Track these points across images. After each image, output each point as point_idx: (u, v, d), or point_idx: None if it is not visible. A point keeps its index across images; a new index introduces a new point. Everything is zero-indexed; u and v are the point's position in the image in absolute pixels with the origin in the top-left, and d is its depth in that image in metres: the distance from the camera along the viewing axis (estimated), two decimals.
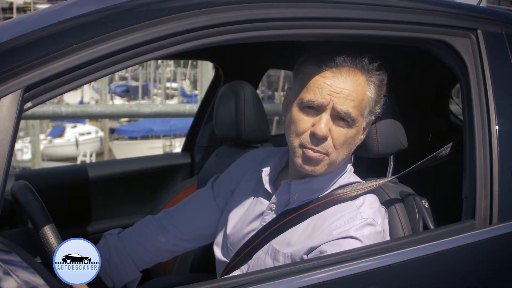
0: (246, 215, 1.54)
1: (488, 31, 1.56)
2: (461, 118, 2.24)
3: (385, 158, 1.68)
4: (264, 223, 1.49)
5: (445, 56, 1.53)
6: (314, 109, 1.37)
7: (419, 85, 2.55)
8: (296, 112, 1.40)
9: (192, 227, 1.63)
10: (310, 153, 1.38)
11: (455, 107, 3.07)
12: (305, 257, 1.38)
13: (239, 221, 1.55)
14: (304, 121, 1.38)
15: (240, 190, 1.61)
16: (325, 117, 1.36)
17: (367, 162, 1.69)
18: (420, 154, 1.66)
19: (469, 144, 1.49)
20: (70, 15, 1.18)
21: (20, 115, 1.07)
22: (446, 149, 1.58)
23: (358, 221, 1.38)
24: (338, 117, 1.37)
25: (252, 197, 1.57)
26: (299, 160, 1.40)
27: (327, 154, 1.38)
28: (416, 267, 1.38)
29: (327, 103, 1.36)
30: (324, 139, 1.36)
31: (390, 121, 1.58)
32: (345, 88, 1.36)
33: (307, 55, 1.44)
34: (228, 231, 1.56)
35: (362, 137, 1.47)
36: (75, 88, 1.18)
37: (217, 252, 1.60)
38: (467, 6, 1.66)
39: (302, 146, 1.38)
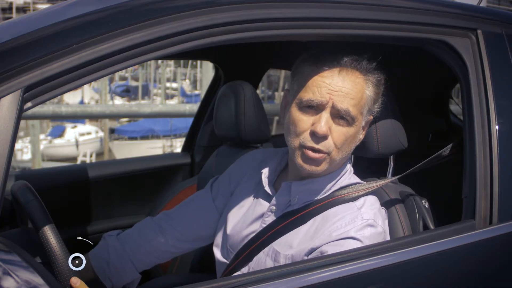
0: (246, 217, 1.54)
1: (488, 31, 1.56)
2: (461, 118, 2.24)
3: (385, 158, 1.68)
4: (265, 225, 1.48)
5: (445, 56, 1.53)
6: (314, 109, 1.37)
7: (419, 85, 2.55)
8: (295, 112, 1.40)
9: (191, 228, 1.63)
10: (310, 153, 1.37)
11: (455, 107, 3.07)
12: (305, 258, 1.38)
13: (239, 222, 1.55)
14: (303, 121, 1.38)
15: (240, 191, 1.61)
16: (325, 115, 1.36)
17: (367, 162, 1.69)
18: (420, 154, 1.66)
19: (469, 144, 1.49)
20: (70, 15, 1.18)
21: (20, 115, 1.07)
22: (447, 149, 1.58)
23: (359, 222, 1.38)
24: (338, 116, 1.37)
25: (252, 199, 1.56)
26: (299, 161, 1.40)
27: (328, 153, 1.38)
28: (416, 267, 1.38)
29: (327, 102, 1.36)
30: (324, 137, 1.36)
31: (390, 121, 1.58)
32: (344, 87, 1.36)
33: (305, 55, 1.44)
34: (228, 232, 1.56)
35: (361, 136, 1.47)
36: (75, 88, 1.18)
37: (217, 253, 1.59)
38: (467, 6, 1.66)
39: (302, 146, 1.38)
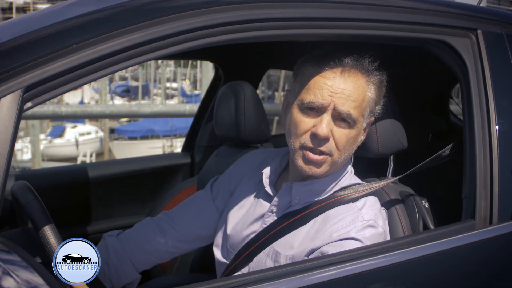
0: (246, 217, 1.54)
1: (488, 31, 1.56)
2: (461, 118, 2.24)
3: (385, 158, 1.68)
4: (265, 225, 1.48)
5: (445, 56, 1.53)
6: (315, 110, 1.37)
7: (419, 85, 2.55)
8: (296, 113, 1.39)
9: (191, 229, 1.63)
10: (311, 155, 1.37)
11: (455, 107, 3.07)
12: (305, 258, 1.38)
13: (239, 222, 1.55)
14: (304, 122, 1.37)
15: (240, 192, 1.61)
16: (326, 118, 1.35)
17: (367, 162, 1.69)
18: (420, 154, 1.66)
19: (469, 144, 1.49)
20: (70, 15, 1.18)
21: (20, 115, 1.07)
22: (447, 150, 1.58)
23: (359, 222, 1.38)
24: (339, 118, 1.36)
25: (252, 199, 1.56)
26: (300, 163, 1.39)
27: (330, 155, 1.38)
28: (416, 267, 1.38)
29: (328, 104, 1.35)
30: (325, 139, 1.36)
31: (390, 121, 1.58)
32: (346, 89, 1.36)
33: (307, 56, 1.44)
34: (228, 232, 1.56)
35: (362, 138, 1.47)
36: (75, 88, 1.18)
37: (217, 253, 1.59)
38: (467, 6, 1.66)
39: (302, 147, 1.38)
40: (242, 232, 1.53)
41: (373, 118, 1.48)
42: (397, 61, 1.99)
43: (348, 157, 1.44)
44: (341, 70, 1.37)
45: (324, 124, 1.34)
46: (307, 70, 1.40)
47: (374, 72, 1.41)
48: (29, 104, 1.09)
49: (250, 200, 1.57)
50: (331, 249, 1.34)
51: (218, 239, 1.60)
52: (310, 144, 1.37)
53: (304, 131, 1.37)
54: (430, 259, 1.38)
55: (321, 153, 1.37)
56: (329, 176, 1.46)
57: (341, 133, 1.37)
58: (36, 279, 1.06)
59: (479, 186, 1.45)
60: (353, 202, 1.44)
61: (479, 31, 1.54)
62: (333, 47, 1.42)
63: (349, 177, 1.51)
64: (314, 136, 1.36)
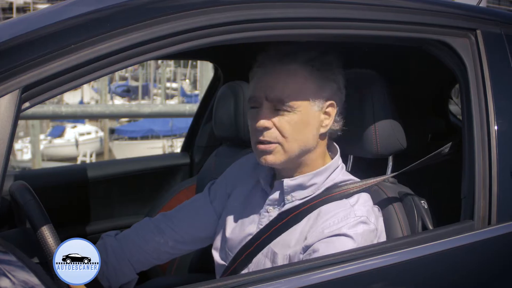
0: (244, 219, 1.54)
1: (487, 31, 1.56)
2: (461, 118, 2.23)
3: (384, 159, 1.68)
4: (261, 226, 1.48)
5: (444, 56, 1.53)
6: (256, 105, 1.43)
7: (418, 85, 2.54)
8: (248, 114, 1.46)
9: (190, 230, 1.63)
10: (261, 146, 1.42)
11: (454, 107, 3.06)
12: (301, 256, 1.38)
13: (237, 225, 1.55)
14: (252, 119, 1.43)
15: (236, 194, 1.61)
16: (263, 108, 1.40)
17: (366, 163, 1.68)
18: (419, 154, 1.66)
19: (468, 144, 1.49)
20: (69, 15, 1.18)
21: (18, 115, 1.07)
22: (445, 149, 1.58)
23: (351, 219, 1.38)
24: (278, 106, 1.40)
25: (249, 201, 1.57)
26: (257, 158, 1.44)
27: (278, 143, 1.40)
28: (415, 268, 1.38)
29: (262, 95, 1.41)
30: (265, 128, 1.40)
31: (389, 121, 1.58)
32: (278, 78, 1.40)
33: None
34: (227, 235, 1.56)
35: (328, 122, 1.45)
36: (73, 88, 1.18)
37: (216, 256, 1.60)
38: (466, 6, 1.66)
39: (255, 143, 1.43)
40: (240, 234, 1.53)
41: (331, 102, 1.45)
42: (397, 61, 2.00)
43: (305, 144, 1.43)
44: (273, 62, 1.42)
45: (260, 114, 1.39)
46: (251, 74, 1.47)
47: (313, 57, 1.43)
48: (27, 104, 1.09)
49: (246, 202, 1.57)
50: (323, 245, 1.34)
51: (217, 242, 1.60)
52: (258, 138, 1.41)
53: (252, 129, 1.43)
54: (429, 260, 1.38)
55: (269, 142, 1.41)
56: (317, 170, 1.46)
57: (283, 120, 1.40)
58: (33, 279, 1.06)
59: (478, 186, 1.45)
60: (345, 198, 1.44)
61: (478, 31, 1.54)
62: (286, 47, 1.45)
63: (340, 172, 1.51)
64: (257, 129, 1.40)
